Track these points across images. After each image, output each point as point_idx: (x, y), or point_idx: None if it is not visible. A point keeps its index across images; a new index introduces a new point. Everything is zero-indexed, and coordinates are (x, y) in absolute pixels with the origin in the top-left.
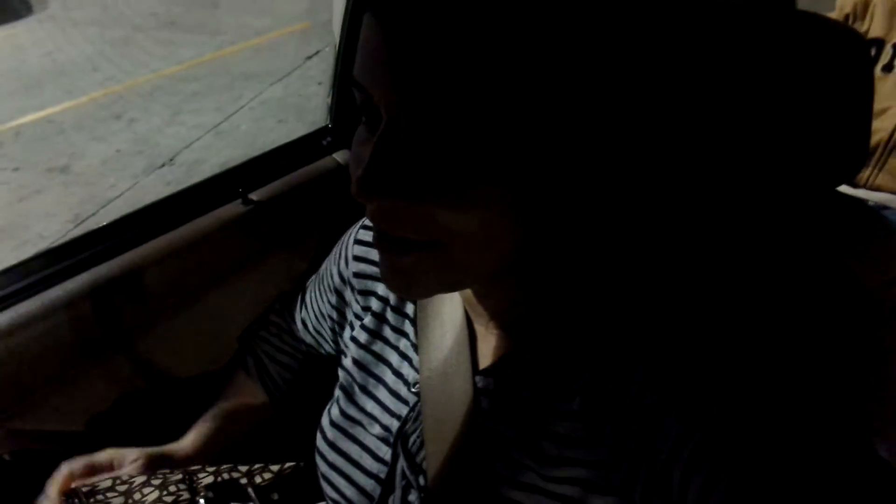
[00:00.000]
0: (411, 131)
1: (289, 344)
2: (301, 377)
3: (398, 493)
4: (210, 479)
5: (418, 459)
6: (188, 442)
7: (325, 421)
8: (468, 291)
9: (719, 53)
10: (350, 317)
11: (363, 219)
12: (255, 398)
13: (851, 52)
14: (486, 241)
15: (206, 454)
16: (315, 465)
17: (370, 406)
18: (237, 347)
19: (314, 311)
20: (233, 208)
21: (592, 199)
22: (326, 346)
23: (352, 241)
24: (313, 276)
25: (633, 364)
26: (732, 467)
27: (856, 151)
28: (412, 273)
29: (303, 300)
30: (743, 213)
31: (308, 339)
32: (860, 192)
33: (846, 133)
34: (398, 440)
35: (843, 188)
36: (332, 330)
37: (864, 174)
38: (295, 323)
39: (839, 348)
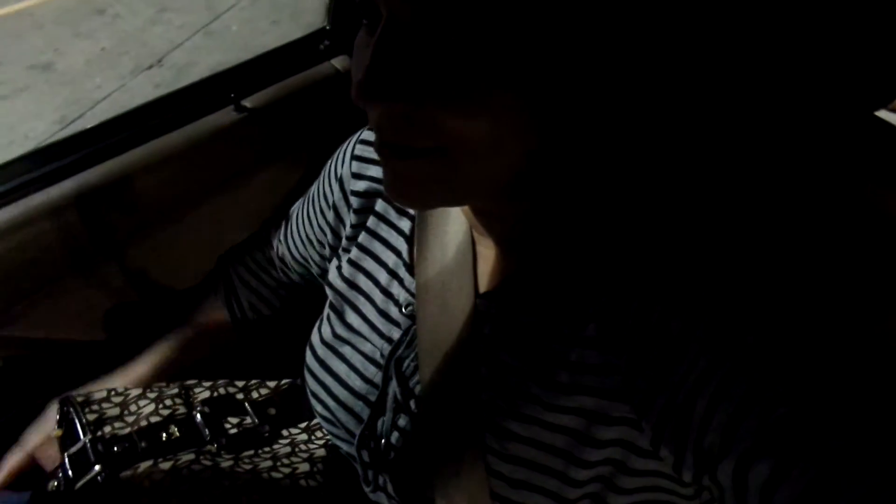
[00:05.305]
0: (415, 25)
1: (265, 271)
2: (277, 305)
3: (388, 416)
4: (206, 394)
5: (411, 384)
6: (135, 375)
7: (314, 338)
8: (473, 209)
9: None
10: (343, 235)
11: (358, 133)
12: (220, 323)
13: None
14: (495, 150)
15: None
16: (306, 383)
17: (358, 324)
18: (213, 269)
19: (302, 236)
20: (224, 115)
21: (613, 108)
22: (314, 270)
23: (348, 157)
24: (299, 201)
25: (654, 290)
26: (763, 398)
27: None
28: (417, 181)
29: (287, 227)
30: (770, 135)
31: (292, 267)
32: None
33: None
34: (391, 363)
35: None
36: (321, 254)
37: None
38: (276, 250)
39: (868, 279)
